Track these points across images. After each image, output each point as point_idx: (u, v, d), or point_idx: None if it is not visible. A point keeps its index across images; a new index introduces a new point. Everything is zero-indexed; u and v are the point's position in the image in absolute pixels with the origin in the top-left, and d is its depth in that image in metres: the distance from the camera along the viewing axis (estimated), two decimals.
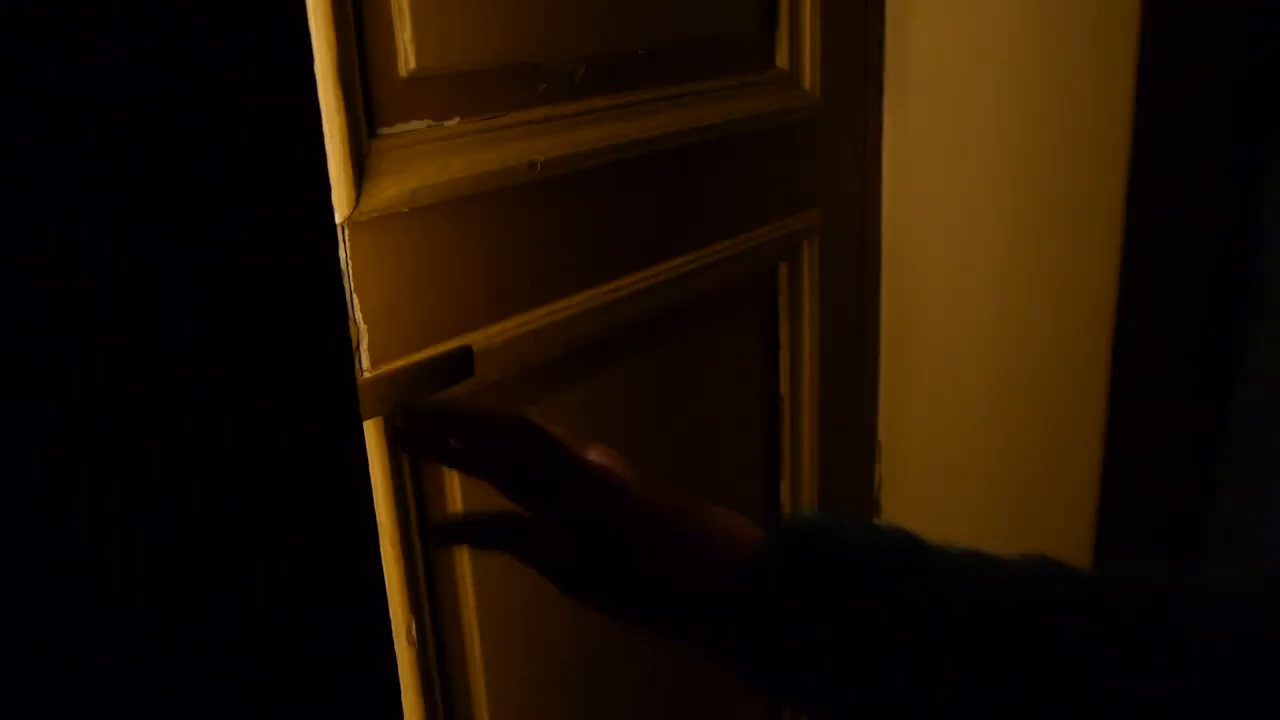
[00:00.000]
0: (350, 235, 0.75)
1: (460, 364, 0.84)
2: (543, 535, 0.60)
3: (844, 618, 0.49)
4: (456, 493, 0.88)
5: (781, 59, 1.19)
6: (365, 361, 0.77)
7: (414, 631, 0.85)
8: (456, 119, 0.84)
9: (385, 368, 0.79)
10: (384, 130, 0.79)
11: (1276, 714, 0.40)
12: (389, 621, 0.56)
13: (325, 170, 0.48)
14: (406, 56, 0.79)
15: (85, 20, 0.37)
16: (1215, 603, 0.43)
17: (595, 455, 0.63)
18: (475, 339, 0.86)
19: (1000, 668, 0.45)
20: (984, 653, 0.46)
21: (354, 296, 0.76)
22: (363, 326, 0.77)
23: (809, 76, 1.21)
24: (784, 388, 1.30)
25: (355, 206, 0.75)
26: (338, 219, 0.75)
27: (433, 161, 0.81)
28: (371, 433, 0.79)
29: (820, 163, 1.27)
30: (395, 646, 0.64)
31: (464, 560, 0.90)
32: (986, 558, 0.50)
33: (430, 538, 0.68)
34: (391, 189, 0.78)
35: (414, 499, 0.85)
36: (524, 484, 0.61)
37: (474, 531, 0.68)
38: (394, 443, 0.81)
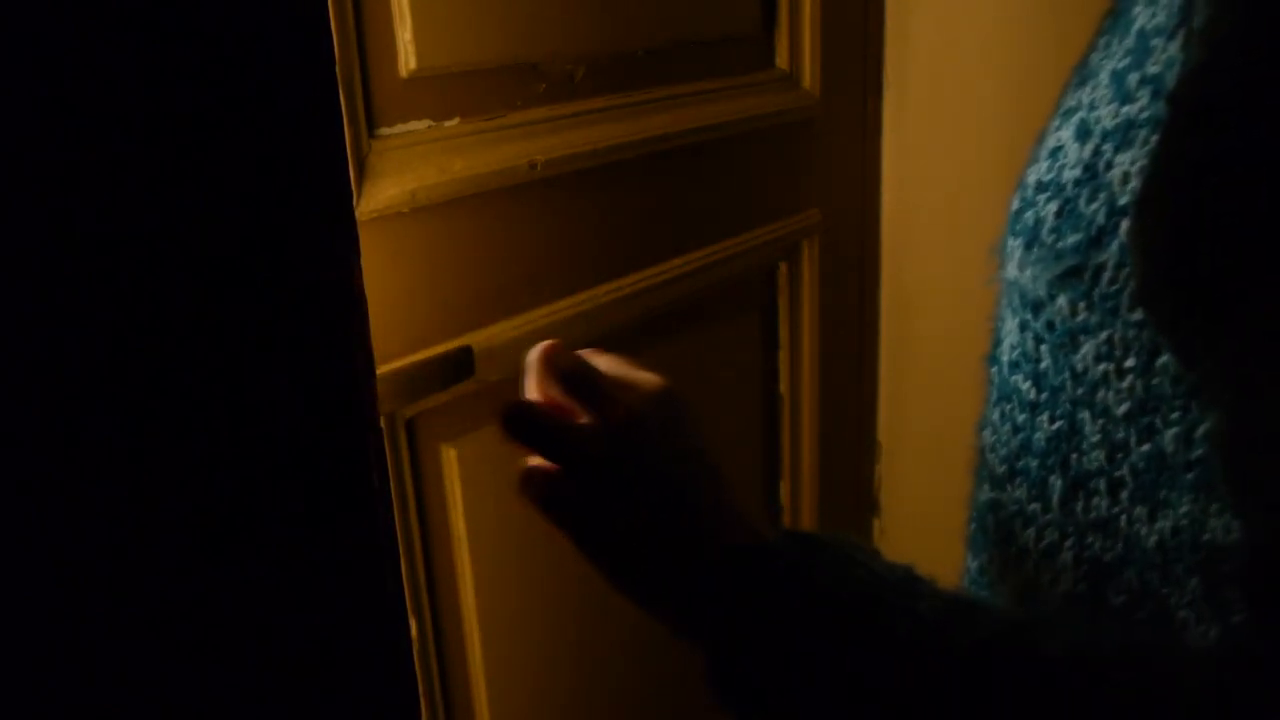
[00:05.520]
0: None
1: (460, 364, 0.84)
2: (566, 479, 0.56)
3: (828, 627, 0.47)
4: (457, 492, 0.88)
5: (781, 59, 1.19)
6: None
7: (414, 631, 0.85)
8: (456, 119, 0.84)
9: (386, 368, 0.79)
10: (384, 130, 0.79)
11: None
12: (406, 623, 0.56)
13: (345, 169, 0.47)
14: (406, 56, 0.79)
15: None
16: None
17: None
18: (475, 339, 0.86)
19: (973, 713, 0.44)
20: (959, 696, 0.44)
21: None
22: None
23: (809, 76, 1.21)
24: (784, 388, 1.30)
25: (355, 207, 0.75)
26: None
27: (433, 161, 0.81)
28: None
29: (820, 163, 1.27)
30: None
31: (464, 560, 0.90)
32: (974, 603, 0.50)
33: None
34: (391, 189, 0.78)
35: (414, 499, 0.85)
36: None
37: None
38: (392, 441, 0.81)
